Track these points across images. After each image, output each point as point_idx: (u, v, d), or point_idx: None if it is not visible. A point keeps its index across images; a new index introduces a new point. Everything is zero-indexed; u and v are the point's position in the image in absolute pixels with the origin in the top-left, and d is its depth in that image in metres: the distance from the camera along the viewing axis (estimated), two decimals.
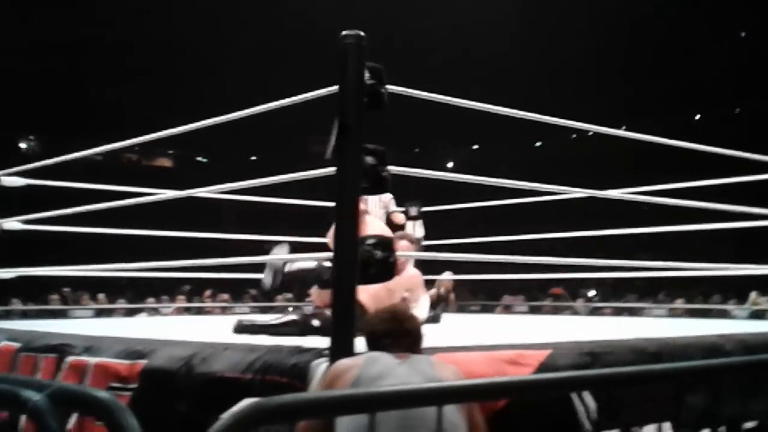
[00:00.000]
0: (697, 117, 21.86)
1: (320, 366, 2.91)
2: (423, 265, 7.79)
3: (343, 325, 2.97)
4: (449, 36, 18.22)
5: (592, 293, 15.30)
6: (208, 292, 12.64)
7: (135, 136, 4.97)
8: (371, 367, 2.56)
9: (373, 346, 2.76)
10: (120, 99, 19.68)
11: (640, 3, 17.92)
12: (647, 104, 19.81)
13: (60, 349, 4.03)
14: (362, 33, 3.15)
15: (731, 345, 4.01)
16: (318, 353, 3.01)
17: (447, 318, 7.83)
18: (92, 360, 3.76)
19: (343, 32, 3.15)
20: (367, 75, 3.18)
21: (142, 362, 3.54)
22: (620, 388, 1.93)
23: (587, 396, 3.02)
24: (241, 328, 4.31)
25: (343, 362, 2.68)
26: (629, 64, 18.79)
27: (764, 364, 2.29)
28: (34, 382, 1.64)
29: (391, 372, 2.54)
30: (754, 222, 6.12)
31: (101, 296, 12.09)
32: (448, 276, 9.17)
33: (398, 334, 2.73)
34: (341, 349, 2.90)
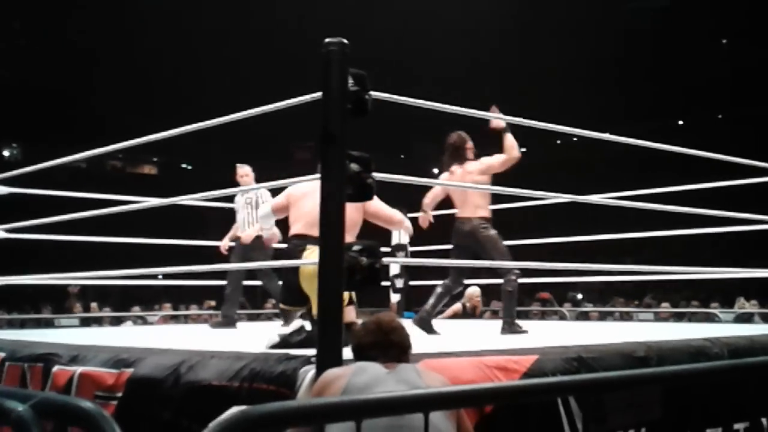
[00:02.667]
0: (680, 123, 21.99)
1: (308, 373, 2.90)
2: (411, 272, 7.82)
3: (330, 332, 2.97)
4: (435, 40, 18.25)
5: (579, 297, 15.35)
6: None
7: (118, 143, 4.94)
8: (359, 377, 2.57)
9: (360, 358, 2.76)
10: (103, 106, 19.60)
11: (626, 12, 18.04)
12: (631, 109, 19.92)
13: (46, 358, 4.00)
14: (345, 40, 3.15)
15: (718, 348, 4.05)
16: (305, 360, 3.00)
17: (438, 324, 7.83)
18: (78, 369, 3.74)
19: (327, 39, 3.15)
20: (350, 82, 3.17)
21: (129, 371, 3.52)
22: (606, 392, 1.93)
23: (572, 401, 3.03)
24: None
25: (332, 371, 2.68)
26: (613, 71, 18.88)
27: (750, 367, 2.30)
28: (18, 392, 1.63)
29: (379, 381, 2.55)
30: (737, 227, 6.17)
31: (94, 305, 11.99)
32: (474, 290, 9.19)
33: (384, 345, 2.74)
34: (328, 356, 2.90)
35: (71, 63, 18.28)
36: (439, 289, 5.63)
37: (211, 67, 18.45)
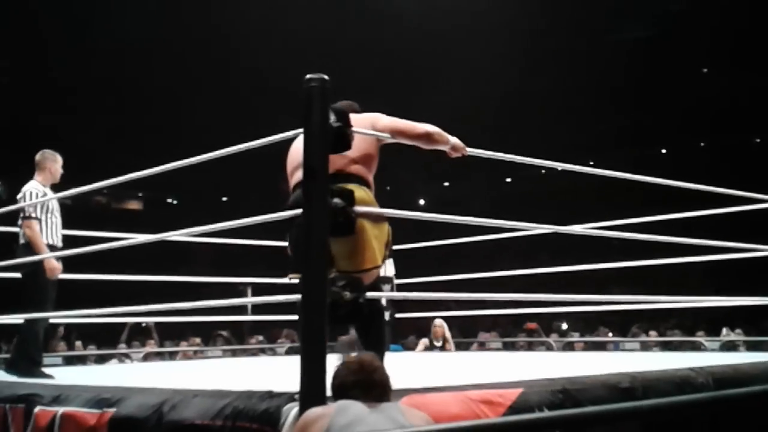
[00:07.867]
0: (663, 151, 22.17)
1: (291, 411, 2.88)
2: (397, 305, 7.79)
3: (314, 367, 2.94)
4: (421, 70, 18.36)
5: (564, 326, 15.34)
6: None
7: (104, 179, 4.91)
8: (342, 416, 2.55)
9: (340, 397, 2.74)
10: (89, 142, 19.58)
11: (606, 41, 18.21)
12: (615, 138, 20.11)
13: (27, 399, 3.96)
14: (326, 76, 3.16)
15: (703, 377, 4.04)
16: (289, 398, 2.97)
17: (423, 357, 7.81)
18: (60, 410, 3.70)
19: (308, 75, 3.16)
20: (332, 118, 3.19)
21: (111, 411, 3.49)
22: (590, 426, 1.93)
23: None
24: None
25: (314, 411, 2.66)
26: (597, 100, 19.02)
27: (734, 399, 2.30)
28: None
29: (361, 420, 2.53)
30: (721, 255, 6.19)
31: (78, 343, 11.89)
32: (438, 321, 8.93)
33: (367, 385, 2.72)
34: (312, 393, 2.87)
35: (56, 100, 18.29)
36: None
37: (198, 100, 18.45)
